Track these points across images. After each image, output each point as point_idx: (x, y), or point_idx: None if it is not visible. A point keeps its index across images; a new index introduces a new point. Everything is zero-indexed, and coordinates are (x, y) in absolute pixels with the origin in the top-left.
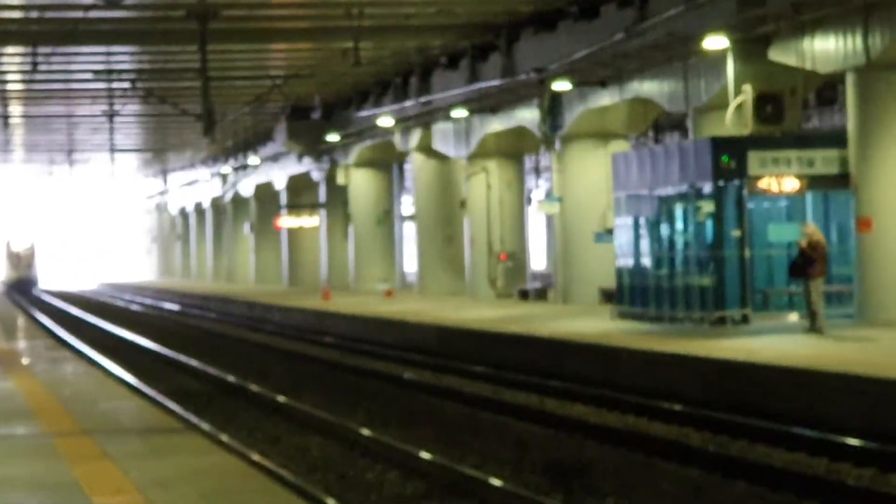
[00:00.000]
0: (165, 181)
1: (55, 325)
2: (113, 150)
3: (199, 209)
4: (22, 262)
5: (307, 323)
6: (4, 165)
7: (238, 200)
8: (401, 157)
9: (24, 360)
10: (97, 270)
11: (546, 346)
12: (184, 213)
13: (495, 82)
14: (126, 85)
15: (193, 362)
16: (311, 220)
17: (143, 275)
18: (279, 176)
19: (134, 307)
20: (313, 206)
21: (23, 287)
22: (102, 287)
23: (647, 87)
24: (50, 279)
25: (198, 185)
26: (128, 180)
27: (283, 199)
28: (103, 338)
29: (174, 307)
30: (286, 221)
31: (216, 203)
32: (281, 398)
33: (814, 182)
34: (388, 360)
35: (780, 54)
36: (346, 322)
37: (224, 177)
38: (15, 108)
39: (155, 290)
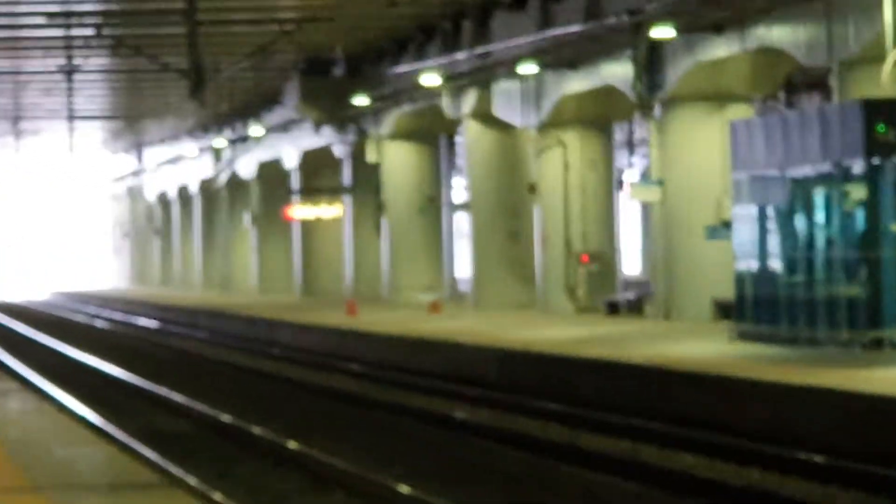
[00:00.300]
0: (140, 158)
1: None
2: (72, 117)
3: (183, 195)
4: None
5: (327, 345)
6: None
7: (236, 183)
8: (450, 127)
9: None
10: (50, 276)
11: (642, 377)
12: (164, 200)
13: (575, 28)
14: (89, 32)
15: (176, 396)
16: (331, 210)
17: (109, 281)
18: (290, 151)
19: (99, 324)
20: (335, 191)
21: None
22: (57, 297)
23: (777, 34)
24: None
25: (183, 163)
26: (91, 157)
27: (296, 181)
28: (60, 364)
29: (151, 324)
30: (299, 212)
31: (207, 187)
32: (292, 444)
33: None
34: (434, 394)
35: None
36: (378, 344)
37: (217, 152)
38: None
39: (126, 301)
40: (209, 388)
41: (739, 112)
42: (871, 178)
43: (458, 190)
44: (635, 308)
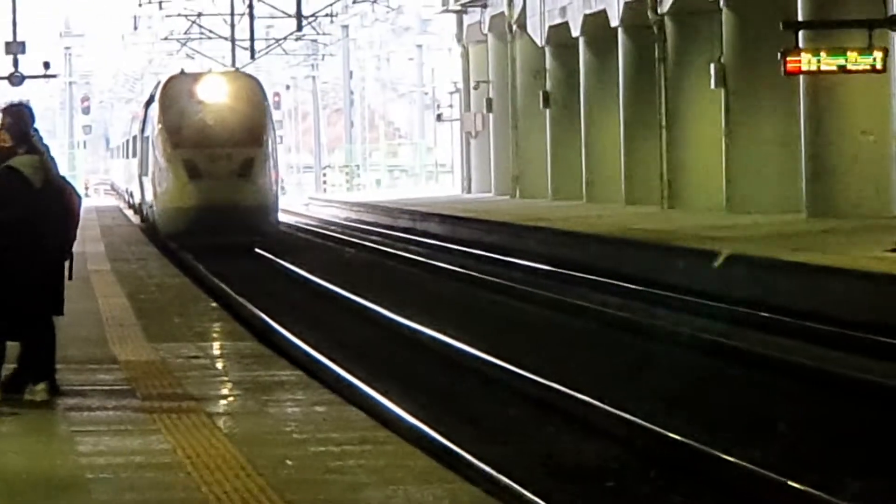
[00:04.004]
0: None
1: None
2: None
3: (593, 35)
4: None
5: (861, 309)
6: None
7: (686, 12)
8: None
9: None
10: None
11: None
12: (560, 44)
13: None
14: None
15: None
16: (867, 58)
17: (458, 188)
18: None
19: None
20: (871, 25)
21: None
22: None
23: None
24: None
25: None
26: None
27: (800, 8)
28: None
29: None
30: (805, 60)
31: (635, 18)
32: None
33: None
34: None
35: None
36: None
37: None
38: None
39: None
40: None
41: None
42: None
43: None
44: None
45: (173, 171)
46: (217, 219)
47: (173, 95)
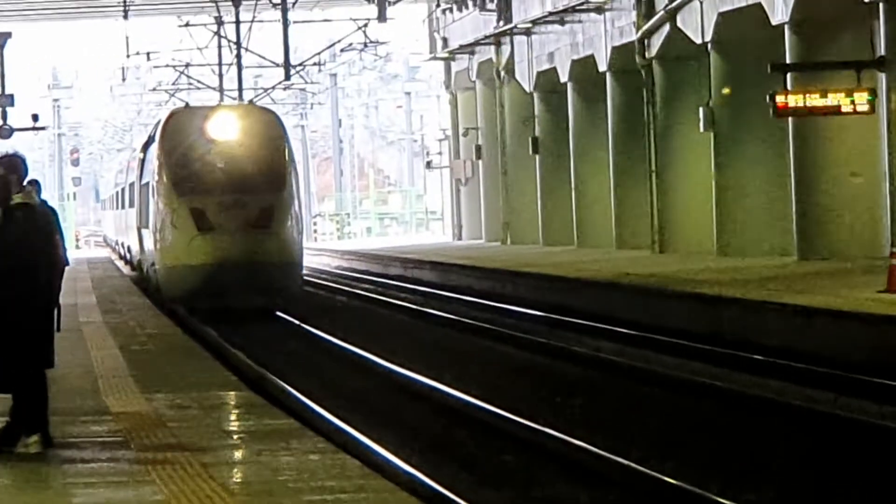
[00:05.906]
0: (507, 10)
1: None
2: None
3: (581, 80)
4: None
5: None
6: None
7: (674, 56)
8: None
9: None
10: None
11: None
12: (548, 90)
13: None
14: None
15: None
16: (856, 99)
17: (445, 236)
18: None
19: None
20: (862, 65)
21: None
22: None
23: None
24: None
25: (577, 25)
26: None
27: (788, 50)
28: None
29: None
30: (794, 102)
31: (621, 64)
32: None
33: None
34: None
35: None
36: None
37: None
38: None
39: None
40: None
41: None
42: None
43: None
44: None
45: (179, 222)
46: (232, 279)
47: (177, 133)
